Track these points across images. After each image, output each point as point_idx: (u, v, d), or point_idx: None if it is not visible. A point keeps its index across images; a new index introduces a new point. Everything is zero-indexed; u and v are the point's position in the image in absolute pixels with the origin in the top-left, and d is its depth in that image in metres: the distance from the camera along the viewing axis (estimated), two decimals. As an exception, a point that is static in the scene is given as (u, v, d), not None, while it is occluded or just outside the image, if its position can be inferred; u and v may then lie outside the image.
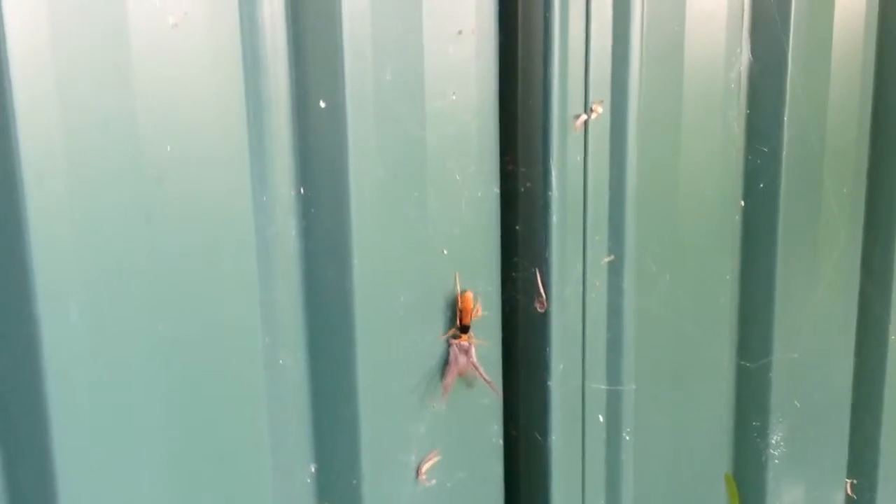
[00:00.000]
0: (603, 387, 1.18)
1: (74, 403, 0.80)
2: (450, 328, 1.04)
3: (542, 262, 1.09)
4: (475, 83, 1.00)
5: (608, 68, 1.09)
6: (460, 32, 0.97)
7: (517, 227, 1.11)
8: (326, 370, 0.97)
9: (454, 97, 0.99)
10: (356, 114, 0.91)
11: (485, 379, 1.07)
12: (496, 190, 1.06)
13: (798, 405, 1.42)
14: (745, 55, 1.27)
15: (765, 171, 1.31)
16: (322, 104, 0.90)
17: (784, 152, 1.31)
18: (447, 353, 1.04)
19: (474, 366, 1.05)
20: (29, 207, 0.75)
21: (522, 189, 1.09)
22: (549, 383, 1.12)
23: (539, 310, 1.10)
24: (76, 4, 0.75)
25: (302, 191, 0.93)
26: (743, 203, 1.33)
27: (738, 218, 1.33)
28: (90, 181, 0.78)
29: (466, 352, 1.04)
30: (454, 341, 1.04)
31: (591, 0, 1.05)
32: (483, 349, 1.08)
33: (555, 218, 1.08)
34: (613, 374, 1.18)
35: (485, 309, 1.07)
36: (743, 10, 1.25)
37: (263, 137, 0.89)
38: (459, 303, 1.03)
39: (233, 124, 0.86)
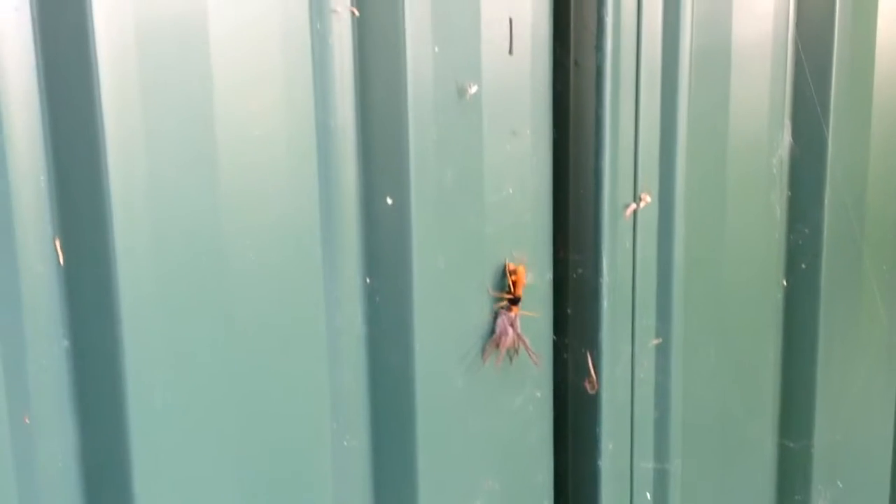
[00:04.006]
0: (650, 465, 1.21)
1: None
2: (499, 300, 1.06)
3: (593, 345, 1.14)
4: (530, 178, 1.06)
5: (656, 160, 1.14)
6: (514, 133, 1.03)
7: (568, 311, 1.16)
8: (389, 452, 1.02)
9: (510, 191, 1.04)
10: (420, 210, 0.97)
11: (529, 350, 1.08)
12: (549, 276, 1.11)
13: (840, 485, 1.44)
14: (786, 139, 1.32)
15: (806, 251, 1.35)
16: (389, 201, 0.96)
17: (825, 233, 1.34)
18: (493, 324, 1.06)
19: (519, 337, 1.07)
20: (122, 302, 0.81)
21: (574, 275, 1.14)
22: (599, 462, 1.16)
23: (590, 391, 1.15)
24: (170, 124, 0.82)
25: (368, 280, 0.98)
26: (785, 283, 1.36)
27: (780, 297, 1.36)
28: (178, 286, 0.84)
29: (513, 324, 1.06)
30: (504, 312, 1.06)
31: (641, 98, 1.10)
32: (536, 427, 1.12)
33: (605, 303, 1.12)
34: (661, 452, 1.21)
35: (536, 389, 1.12)
36: (784, 96, 1.30)
37: (334, 231, 0.95)
38: (512, 275, 1.05)
39: (307, 223, 0.92)
